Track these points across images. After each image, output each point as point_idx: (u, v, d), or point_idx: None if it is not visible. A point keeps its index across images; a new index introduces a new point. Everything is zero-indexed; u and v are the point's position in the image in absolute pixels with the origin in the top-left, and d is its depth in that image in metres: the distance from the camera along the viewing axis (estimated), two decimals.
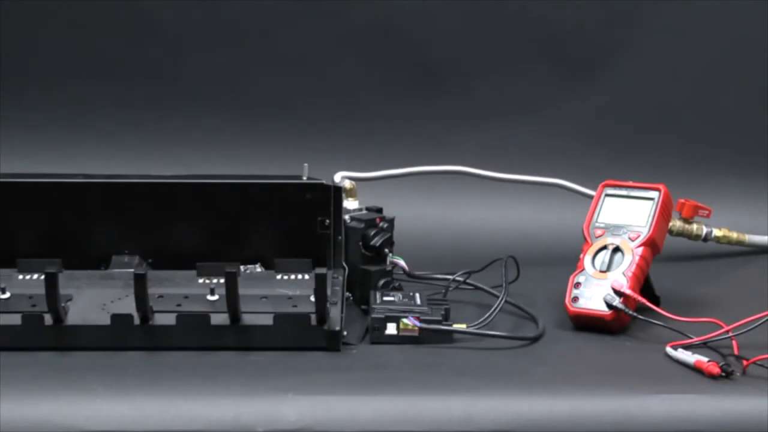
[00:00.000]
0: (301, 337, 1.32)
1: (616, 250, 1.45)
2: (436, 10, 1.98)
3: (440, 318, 1.37)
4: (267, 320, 1.32)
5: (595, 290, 1.42)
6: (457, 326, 1.37)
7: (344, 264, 1.46)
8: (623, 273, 1.43)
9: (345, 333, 1.34)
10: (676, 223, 1.74)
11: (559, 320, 1.45)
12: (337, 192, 1.45)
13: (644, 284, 1.46)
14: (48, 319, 1.30)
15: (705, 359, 1.27)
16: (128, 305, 1.32)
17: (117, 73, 1.97)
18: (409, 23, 1.99)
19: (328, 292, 1.33)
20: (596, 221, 1.50)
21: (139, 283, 1.29)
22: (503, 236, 1.85)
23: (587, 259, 1.46)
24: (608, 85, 2.00)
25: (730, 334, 1.32)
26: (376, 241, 1.48)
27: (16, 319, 1.30)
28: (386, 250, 1.49)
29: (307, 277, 1.42)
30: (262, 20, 1.98)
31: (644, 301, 1.41)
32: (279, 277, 1.43)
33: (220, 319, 1.32)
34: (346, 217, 1.49)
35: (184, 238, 1.46)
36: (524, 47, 2.00)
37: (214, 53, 1.98)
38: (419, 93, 2.00)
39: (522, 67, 2.00)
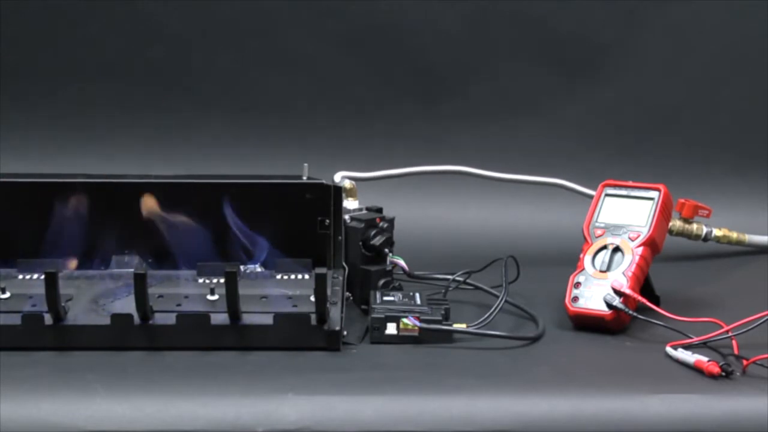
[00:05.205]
0: (301, 337, 1.32)
1: (616, 250, 1.45)
2: (436, 10, 1.98)
3: (440, 318, 1.37)
4: (267, 320, 1.32)
5: (595, 290, 1.42)
6: (457, 326, 1.37)
7: (344, 264, 1.46)
8: (623, 273, 1.43)
9: (345, 333, 1.34)
10: (676, 223, 1.74)
11: (559, 320, 1.45)
12: (337, 192, 1.45)
13: (644, 284, 1.45)
14: (48, 319, 1.30)
15: (705, 359, 1.27)
16: (128, 305, 1.32)
17: (117, 73, 1.97)
18: (409, 24, 1.99)
19: (328, 292, 1.33)
20: (596, 221, 1.49)
21: (139, 283, 1.29)
22: (503, 236, 1.85)
23: (587, 259, 1.46)
24: (608, 84, 2.00)
25: (730, 334, 1.32)
26: (376, 241, 1.48)
27: (16, 319, 1.30)
28: (386, 250, 1.49)
29: (307, 277, 1.42)
30: (262, 20, 1.97)
31: (644, 301, 1.41)
32: (279, 277, 1.43)
33: (220, 319, 1.32)
34: (346, 217, 1.49)
35: (183, 238, 1.46)
36: (524, 47, 1.99)
37: (214, 53, 1.98)
38: (419, 93, 2.00)
39: (522, 67, 2.00)
